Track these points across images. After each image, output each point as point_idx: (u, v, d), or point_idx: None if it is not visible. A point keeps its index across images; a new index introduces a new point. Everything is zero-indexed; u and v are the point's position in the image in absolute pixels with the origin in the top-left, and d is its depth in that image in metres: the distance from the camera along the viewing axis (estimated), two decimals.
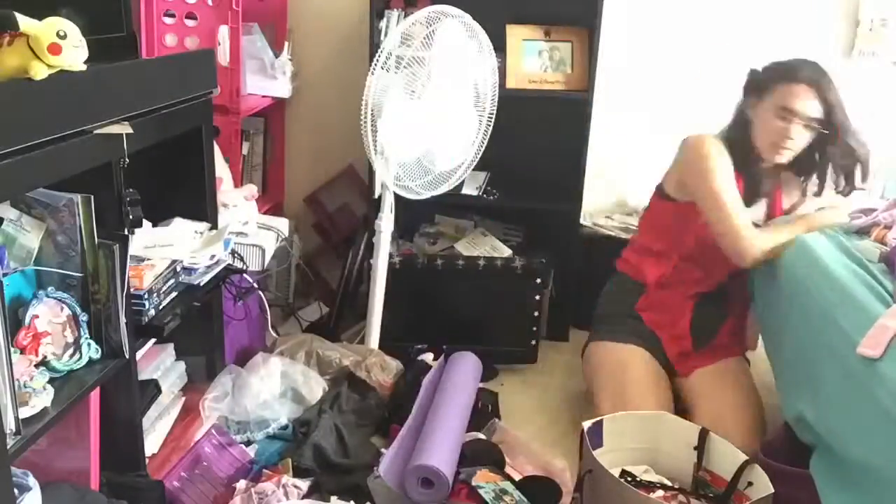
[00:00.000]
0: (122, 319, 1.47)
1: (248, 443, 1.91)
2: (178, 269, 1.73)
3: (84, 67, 1.28)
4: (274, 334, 2.43)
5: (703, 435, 1.76)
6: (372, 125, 2.01)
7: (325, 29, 2.78)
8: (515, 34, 2.56)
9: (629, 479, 1.74)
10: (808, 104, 1.95)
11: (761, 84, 2.03)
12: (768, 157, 2.03)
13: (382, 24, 2.42)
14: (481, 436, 1.97)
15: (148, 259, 1.65)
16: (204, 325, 1.99)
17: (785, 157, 2.02)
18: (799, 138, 1.98)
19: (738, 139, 2.05)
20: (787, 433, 1.81)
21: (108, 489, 1.54)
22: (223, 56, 2.31)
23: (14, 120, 1.16)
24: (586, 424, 1.72)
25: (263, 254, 2.31)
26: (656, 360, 2.14)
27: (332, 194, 2.91)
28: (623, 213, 2.86)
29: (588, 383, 2.23)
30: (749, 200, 2.04)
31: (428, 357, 2.32)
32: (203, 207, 1.90)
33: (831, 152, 2.02)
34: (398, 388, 2.15)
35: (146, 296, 1.59)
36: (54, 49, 1.20)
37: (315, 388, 2.06)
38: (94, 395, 1.47)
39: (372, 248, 2.36)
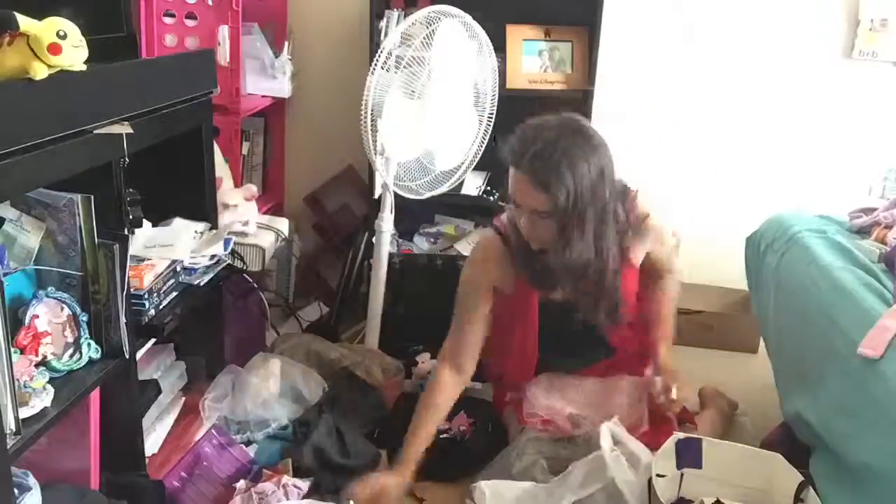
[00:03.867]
0: (122, 319, 1.47)
1: (248, 443, 1.90)
2: (178, 269, 1.73)
3: (84, 67, 1.28)
4: (274, 334, 2.43)
5: (802, 487, 1.58)
6: (372, 125, 2.01)
7: (325, 29, 2.78)
8: (515, 34, 2.56)
9: None
10: (524, 194, 1.65)
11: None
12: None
13: (382, 24, 2.42)
14: None
15: (148, 259, 1.65)
16: (204, 325, 1.99)
17: (534, 245, 1.75)
18: (533, 228, 1.70)
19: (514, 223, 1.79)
20: (785, 432, 1.81)
21: (108, 489, 1.54)
22: (223, 56, 2.31)
23: (14, 120, 1.16)
24: (679, 435, 1.68)
25: (263, 254, 2.31)
26: None
27: (332, 194, 2.90)
28: None
29: None
30: (545, 290, 1.84)
31: (426, 357, 2.32)
32: (203, 207, 1.91)
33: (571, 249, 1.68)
34: (401, 402, 2.14)
35: (146, 296, 1.59)
36: (54, 49, 1.20)
37: (315, 388, 2.06)
38: (94, 395, 1.47)
39: (372, 248, 2.36)
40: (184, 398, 1.95)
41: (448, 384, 1.85)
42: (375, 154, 2.06)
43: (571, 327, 1.83)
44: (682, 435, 1.68)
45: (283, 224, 2.55)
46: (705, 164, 2.80)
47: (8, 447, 1.19)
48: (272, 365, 2.05)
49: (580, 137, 1.65)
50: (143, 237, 1.70)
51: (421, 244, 2.66)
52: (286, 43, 2.67)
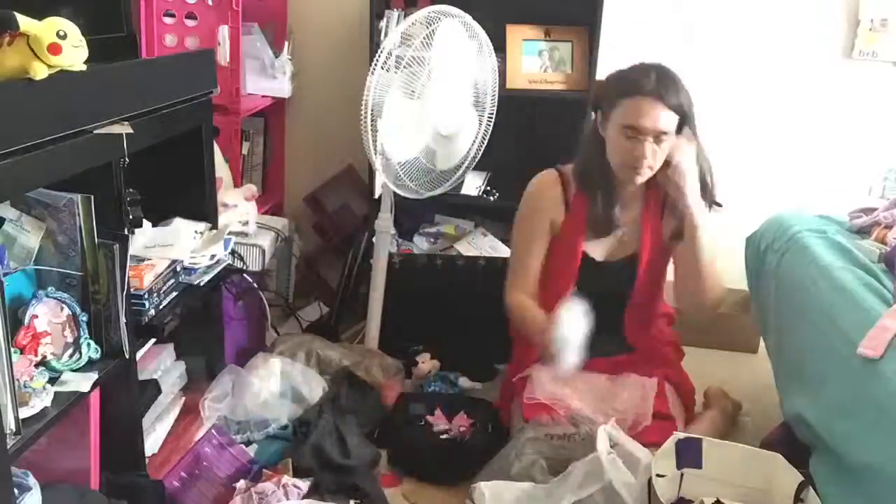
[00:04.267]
0: (122, 319, 1.47)
1: (248, 443, 1.91)
2: (178, 269, 1.73)
3: (84, 67, 1.28)
4: (274, 334, 2.43)
5: (802, 487, 1.58)
6: (372, 125, 2.01)
7: (325, 29, 2.78)
8: (515, 34, 2.55)
9: None
10: (655, 117, 1.75)
11: (605, 100, 1.85)
12: (625, 180, 1.86)
13: (382, 24, 2.42)
14: None
15: (148, 259, 1.65)
16: (204, 325, 1.99)
17: (643, 177, 1.83)
18: (654, 155, 1.79)
19: (594, 163, 1.90)
20: (785, 432, 1.81)
21: (108, 489, 1.54)
22: (223, 56, 2.31)
23: (14, 120, 1.16)
24: (679, 435, 1.68)
25: (263, 254, 2.31)
26: None
27: (332, 194, 2.90)
28: None
29: None
30: (602, 231, 1.94)
31: (426, 357, 2.32)
32: (203, 207, 1.91)
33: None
34: (401, 402, 2.14)
35: (146, 296, 1.59)
36: (54, 49, 1.20)
37: (315, 388, 2.06)
38: (94, 395, 1.47)
39: (372, 248, 2.36)
40: (184, 398, 1.95)
41: (527, 302, 1.94)
42: (375, 154, 2.06)
43: (600, 307, 1.81)
44: (682, 435, 1.68)
45: (283, 224, 2.55)
46: None
47: (8, 447, 1.19)
48: (272, 365, 2.05)
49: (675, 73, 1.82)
50: (143, 237, 1.70)
51: (421, 244, 2.66)
52: (286, 43, 2.67)
